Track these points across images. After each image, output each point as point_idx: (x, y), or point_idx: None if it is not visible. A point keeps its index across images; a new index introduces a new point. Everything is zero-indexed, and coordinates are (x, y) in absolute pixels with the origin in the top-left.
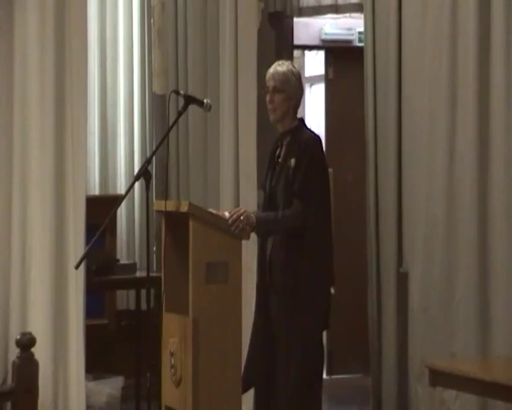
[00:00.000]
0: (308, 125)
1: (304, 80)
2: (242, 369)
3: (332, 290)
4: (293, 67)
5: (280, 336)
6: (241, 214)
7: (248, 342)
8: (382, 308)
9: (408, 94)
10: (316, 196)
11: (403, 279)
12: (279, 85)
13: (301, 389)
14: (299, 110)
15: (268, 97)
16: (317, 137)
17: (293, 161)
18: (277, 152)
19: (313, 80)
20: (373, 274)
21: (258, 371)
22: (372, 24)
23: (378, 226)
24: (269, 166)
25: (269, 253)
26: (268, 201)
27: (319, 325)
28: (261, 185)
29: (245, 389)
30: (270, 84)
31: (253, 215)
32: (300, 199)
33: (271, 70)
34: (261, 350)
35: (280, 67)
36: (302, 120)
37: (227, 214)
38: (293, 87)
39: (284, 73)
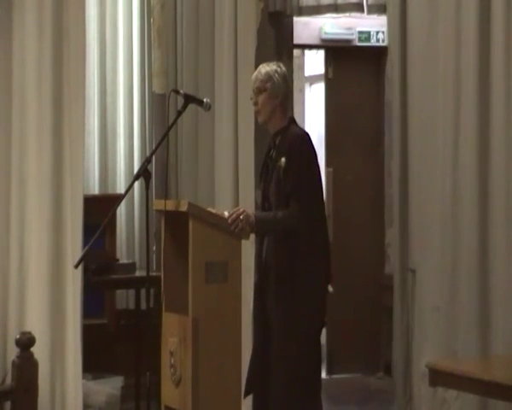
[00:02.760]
0: (298, 123)
1: (303, 80)
2: (247, 372)
3: (330, 289)
4: (279, 66)
5: (276, 337)
6: (241, 214)
7: (247, 341)
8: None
9: (412, 93)
10: (308, 195)
11: (410, 278)
12: (261, 85)
13: (294, 387)
14: (299, 109)
15: (252, 100)
16: (305, 134)
17: (283, 160)
18: (270, 153)
19: (313, 80)
20: (397, 273)
21: (256, 373)
22: (401, 23)
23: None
24: (262, 166)
25: (264, 254)
26: (263, 201)
27: (314, 324)
28: (258, 185)
29: (247, 393)
30: (254, 86)
31: (252, 215)
32: (296, 200)
33: (255, 73)
34: (259, 353)
35: (263, 68)
36: (292, 119)
37: (226, 214)
38: (276, 84)
39: (266, 73)
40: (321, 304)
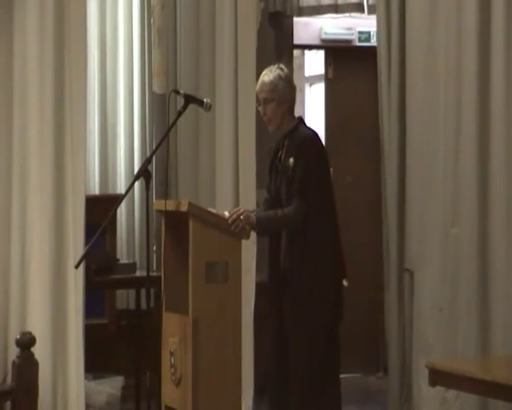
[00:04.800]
0: (306, 123)
1: (303, 80)
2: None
3: (345, 283)
4: (281, 69)
5: (289, 336)
6: (241, 214)
7: (247, 341)
8: (389, 307)
9: (412, 93)
10: (314, 192)
11: (409, 278)
12: (268, 96)
13: (309, 386)
14: (299, 109)
15: (261, 110)
16: (314, 134)
17: (291, 160)
18: (279, 154)
19: (313, 80)
20: (389, 273)
21: (271, 373)
22: (386, 23)
23: (387, 226)
24: (271, 168)
25: (282, 253)
26: (274, 202)
27: (324, 319)
28: (266, 188)
29: (261, 393)
30: (261, 96)
31: (252, 215)
32: (299, 196)
33: (259, 82)
34: (276, 353)
35: (266, 76)
36: (300, 119)
37: (227, 214)
38: (283, 92)
39: (271, 82)
40: (331, 299)
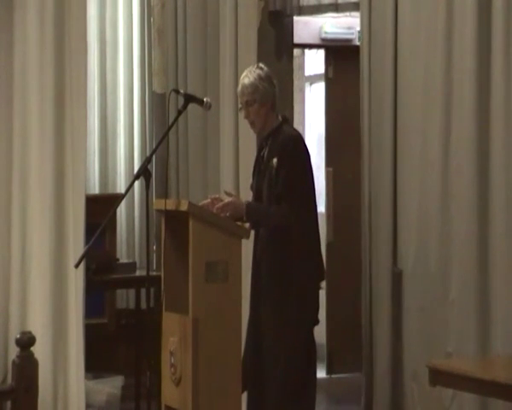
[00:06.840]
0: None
1: (303, 79)
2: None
3: (321, 286)
4: (261, 69)
5: (267, 335)
6: (231, 203)
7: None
8: (376, 307)
9: (403, 91)
10: (299, 196)
11: (397, 278)
12: (250, 98)
13: (289, 386)
14: (299, 109)
15: (243, 113)
16: (297, 135)
17: (274, 160)
18: (262, 152)
19: (313, 79)
20: (366, 273)
21: (249, 371)
22: (368, 22)
23: (371, 225)
24: (255, 166)
25: (258, 252)
26: (255, 199)
27: (306, 323)
28: (250, 186)
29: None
30: (243, 99)
31: (243, 203)
32: (287, 202)
33: (239, 85)
34: (251, 351)
35: (246, 78)
36: (284, 118)
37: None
38: (264, 92)
39: (251, 84)
40: (312, 303)
